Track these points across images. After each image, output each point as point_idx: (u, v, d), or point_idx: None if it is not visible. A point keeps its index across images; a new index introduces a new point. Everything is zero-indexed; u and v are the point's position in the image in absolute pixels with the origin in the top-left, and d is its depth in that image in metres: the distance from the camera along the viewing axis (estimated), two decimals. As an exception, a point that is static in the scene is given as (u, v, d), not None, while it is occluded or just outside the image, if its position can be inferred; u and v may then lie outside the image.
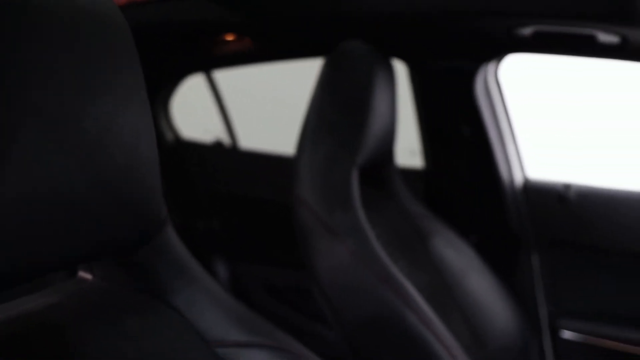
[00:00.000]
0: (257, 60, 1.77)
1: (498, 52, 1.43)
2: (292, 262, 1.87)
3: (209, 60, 1.86)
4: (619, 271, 1.54)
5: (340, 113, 1.11)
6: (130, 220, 0.49)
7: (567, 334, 1.56)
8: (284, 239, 1.57)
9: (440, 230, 1.33)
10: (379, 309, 0.94)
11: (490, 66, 1.53)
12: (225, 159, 2.15)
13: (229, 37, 1.66)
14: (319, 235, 1.02)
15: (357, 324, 0.98)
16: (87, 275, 0.60)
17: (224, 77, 2.11)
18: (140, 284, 0.58)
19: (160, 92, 2.09)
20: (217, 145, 2.15)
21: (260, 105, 3.20)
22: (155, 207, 0.52)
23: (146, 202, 0.50)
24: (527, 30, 1.22)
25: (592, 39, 1.16)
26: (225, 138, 2.16)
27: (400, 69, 1.50)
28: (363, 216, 1.00)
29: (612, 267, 1.54)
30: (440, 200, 1.68)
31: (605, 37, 1.13)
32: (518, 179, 1.60)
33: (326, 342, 1.75)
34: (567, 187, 1.53)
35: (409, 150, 1.86)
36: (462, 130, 1.56)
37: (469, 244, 1.36)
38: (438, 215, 1.37)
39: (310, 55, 1.63)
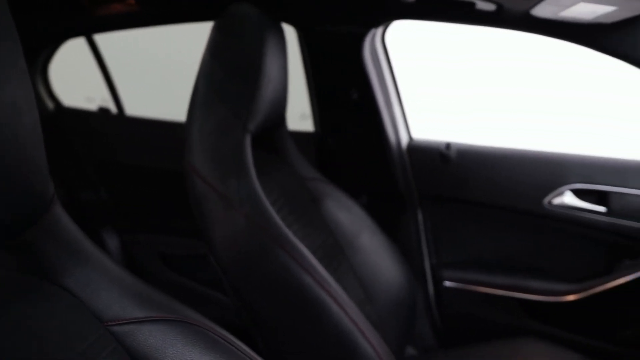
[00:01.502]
0: (142, 23, 1.69)
1: (385, 18, 1.47)
2: (186, 230, 1.85)
3: (90, 23, 1.75)
4: (492, 223, 1.68)
5: (231, 79, 1.09)
6: (14, 200, 0.47)
7: (448, 284, 1.69)
8: (177, 208, 1.54)
9: (332, 192, 1.37)
10: (275, 272, 0.96)
11: (378, 31, 1.58)
12: (111, 127, 2.06)
13: (111, -3, 1.58)
14: (213, 203, 1.02)
15: (254, 289, 1.00)
16: None
17: (106, 38, 2.00)
18: (28, 267, 0.56)
19: (38, 57, 1.94)
20: (102, 113, 2.05)
21: (147, 68, 3.06)
22: (42, 185, 0.51)
23: (31, 181, 0.48)
24: (411, -3, 1.27)
25: (471, 6, 1.22)
26: (110, 105, 2.07)
27: (289, 33, 1.50)
28: (257, 183, 1.01)
29: (487, 220, 1.68)
30: (331, 163, 1.73)
31: (483, 5, 1.19)
32: (404, 141, 1.68)
33: (225, 308, 1.77)
34: (448, 146, 1.63)
35: (300, 115, 1.89)
36: (351, 94, 1.60)
37: (360, 204, 1.41)
38: (329, 178, 1.41)
39: (198, 19, 1.59)
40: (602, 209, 1.55)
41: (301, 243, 1.00)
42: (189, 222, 1.19)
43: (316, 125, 1.74)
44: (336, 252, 1.29)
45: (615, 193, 1.53)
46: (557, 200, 1.56)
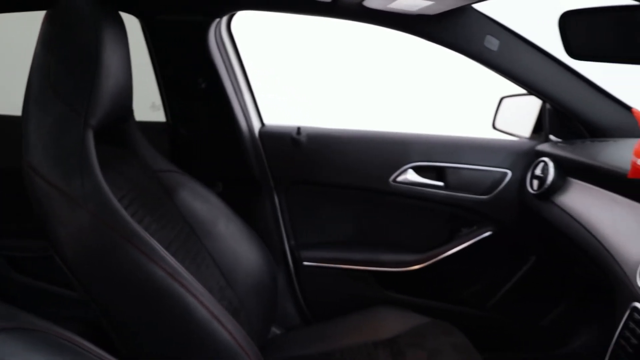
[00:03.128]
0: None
1: (228, 8, 1.49)
2: (35, 231, 1.74)
3: None
4: (344, 203, 1.78)
5: (67, 73, 1.04)
6: None
7: (307, 263, 1.76)
8: (17, 208, 1.45)
9: (186, 182, 1.36)
10: (125, 268, 0.95)
11: (223, 21, 1.59)
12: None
13: None
14: (56, 202, 0.98)
15: (105, 287, 0.97)
16: None
17: None
18: None
19: None
20: None
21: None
22: None
23: None
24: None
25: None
26: None
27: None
28: (102, 179, 0.98)
29: (339, 200, 1.77)
30: (184, 153, 1.72)
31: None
32: (256, 127, 1.72)
33: (76, 307, 1.70)
34: (298, 130, 1.69)
35: (150, 105, 1.84)
36: (199, 83, 1.59)
37: (215, 192, 1.42)
38: (184, 168, 1.41)
39: (29, 8, 1.49)
40: (440, 183, 1.70)
41: (153, 237, 0.99)
42: (30, 223, 1.13)
43: (167, 115, 1.72)
44: (193, 241, 1.29)
45: (451, 168, 1.68)
46: (401, 178, 1.68)
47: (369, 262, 1.76)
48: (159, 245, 0.98)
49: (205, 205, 1.37)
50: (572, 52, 1.05)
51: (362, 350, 1.41)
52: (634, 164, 1.07)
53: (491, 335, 1.79)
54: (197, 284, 1.00)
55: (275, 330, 1.70)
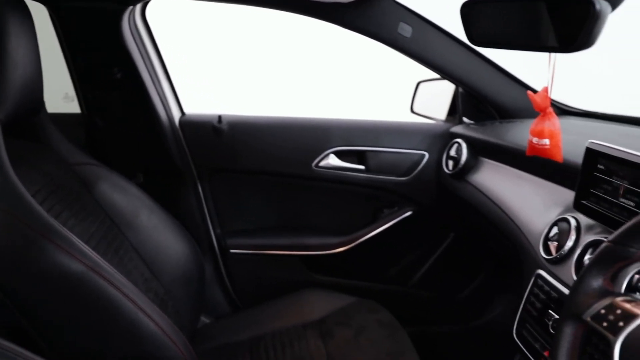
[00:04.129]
0: None
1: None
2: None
3: None
4: (268, 189, 1.79)
5: None
6: None
7: (234, 251, 1.77)
8: None
9: (105, 175, 1.34)
10: (42, 265, 0.92)
11: (137, 8, 1.55)
12: None
13: None
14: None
15: (23, 286, 0.94)
16: None
17: None
18: None
19: None
20: None
21: None
22: None
23: None
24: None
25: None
26: None
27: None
28: (13, 174, 0.95)
29: (263, 187, 1.79)
30: (101, 144, 1.68)
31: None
32: (175, 116, 1.70)
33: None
34: (219, 119, 1.68)
35: (63, 96, 1.78)
36: (114, 73, 1.56)
37: (136, 184, 1.40)
38: (101, 160, 1.38)
39: None
40: (361, 167, 1.74)
41: (72, 231, 0.97)
42: None
43: (82, 106, 1.67)
44: (114, 235, 1.27)
45: (371, 152, 1.73)
46: (323, 163, 1.72)
47: (294, 246, 1.79)
48: (78, 240, 0.96)
49: (125, 197, 1.35)
50: (473, 39, 1.11)
51: (292, 333, 1.44)
52: (530, 143, 1.14)
53: (414, 311, 1.87)
54: (120, 277, 0.99)
55: (204, 319, 1.70)
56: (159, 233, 1.36)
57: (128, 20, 1.52)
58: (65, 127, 1.40)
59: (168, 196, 1.59)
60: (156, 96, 1.62)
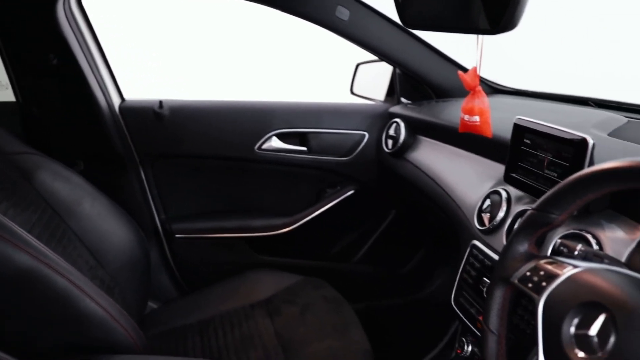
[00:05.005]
0: None
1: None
2: None
3: None
4: (212, 174, 1.80)
5: None
6: None
7: (179, 235, 1.77)
8: None
9: (45, 164, 1.31)
10: None
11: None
12: None
13: None
14: None
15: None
16: None
17: None
18: None
19: None
20: None
21: None
22: None
23: None
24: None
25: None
26: None
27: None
28: None
29: (207, 171, 1.79)
30: (39, 133, 1.64)
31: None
32: (115, 103, 1.68)
33: None
34: (160, 104, 1.67)
35: (-4, 84, 1.73)
36: (49, 60, 1.52)
37: (77, 171, 1.38)
38: (40, 149, 1.35)
39: None
40: (303, 148, 1.78)
41: (13, 222, 0.96)
42: None
43: (17, 94, 1.62)
44: (57, 223, 1.26)
45: (312, 133, 1.76)
46: (265, 145, 1.74)
47: (240, 229, 1.81)
48: (21, 230, 0.95)
49: (67, 186, 1.33)
50: (406, 21, 1.15)
51: (240, 313, 1.47)
52: (462, 120, 1.20)
53: (359, 286, 1.93)
54: (65, 264, 0.99)
55: (152, 304, 1.70)
56: (103, 220, 1.35)
57: (63, 6, 1.49)
58: (0, 116, 1.37)
59: (110, 183, 1.57)
60: (94, 82, 1.59)
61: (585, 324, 0.61)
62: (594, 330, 0.60)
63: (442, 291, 1.91)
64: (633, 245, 0.84)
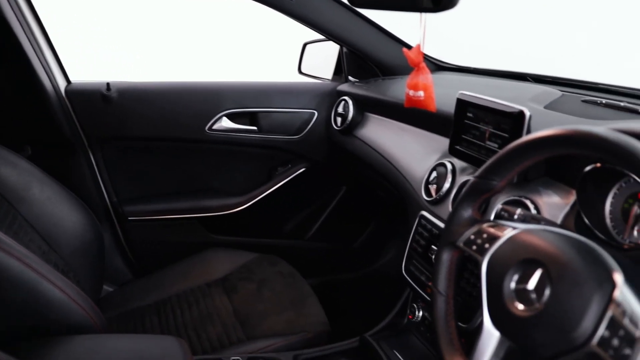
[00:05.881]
0: None
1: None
2: None
3: None
4: (163, 156, 1.79)
5: None
6: None
7: (132, 218, 1.77)
8: None
9: None
10: None
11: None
12: None
13: None
14: None
15: None
16: None
17: None
18: None
19: None
20: None
21: None
22: None
23: None
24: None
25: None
26: None
27: None
28: None
29: (158, 153, 1.78)
30: None
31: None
32: (61, 85, 1.64)
33: None
34: (108, 86, 1.65)
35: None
36: None
37: (24, 157, 1.36)
38: None
39: None
40: (253, 128, 1.79)
41: None
42: None
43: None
44: (6, 210, 1.24)
45: (262, 112, 1.78)
46: (216, 126, 1.74)
47: (193, 209, 1.82)
48: None
49: (14, 171, 1.31)
50: (352, 0, 1.18)
51: (197, 292, 1.49)
52: (407, 95, 1.25)
53: (312, 262, 1.97)
54: (19, 247, 0.98)
55: (107, 288, 1.70)
56: (53, 205, 1.34)
57: None
58: None
59: (60, 167, 1.55)
60: (39, 65, 1.56)
61: (524, 279, 0.67)
62: (531, 284, 0.66)
63: (393, 263, 1.97)
64: (567, 208, 0.91)
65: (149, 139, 1.73)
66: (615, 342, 0.57)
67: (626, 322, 0.57)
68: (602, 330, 0.58)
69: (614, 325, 0.57)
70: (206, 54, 4.44)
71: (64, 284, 1.03)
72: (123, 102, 1.66)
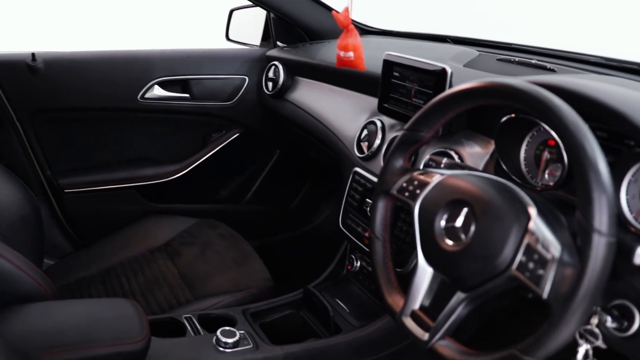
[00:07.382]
0: None
1: None
2: None
3: None
4: (95, 126, 1.78)
5: None
6: None
7: (68, 190, 1.75)
8: None
9: None
10: None
11: None
12: None
13: None
14: None
15: None
16: None
17: None
18: None
19: None
20: None
21: None
22: None
23: None
24: None
25: None
26: None
27: None
28: None
29: (90, 124, 1.77)
30: None
31: None
32: None
33: None
34: (33, 57, 1.60)
35: None
36: None
37: None
38: None
39: None
40: (186, 95, 1.80)
41: None
42: None
43: None
44: None
45: (194, 79, 1.79)
46: (148, 94, 1.74)
47: (130, 179, 1.82)
48: None
49: None
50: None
51: (140, 259, 1.52)
52: (338, 56, 1.31)
53: (251, 225, 2.03)
54: None
55: (48, 261, 1.69)
56: None
57: None
58: None
59: None
60: None
61: (452, 217, 0.76)
62: (459, 222, 0.75)
63: (329, 220, 2.06)
64: (487, 157, 1.01)
65: (80, 109, 1.70)
66: (531, 265, 0.66)
67: (539, 247, 0.66)
68: (520, 256, 0.67)
69: (530, 251, 0.67)
70: (134, 22, 4.30)
71: (10, 254, 1.04)
72: (50, 72, 1.62)
